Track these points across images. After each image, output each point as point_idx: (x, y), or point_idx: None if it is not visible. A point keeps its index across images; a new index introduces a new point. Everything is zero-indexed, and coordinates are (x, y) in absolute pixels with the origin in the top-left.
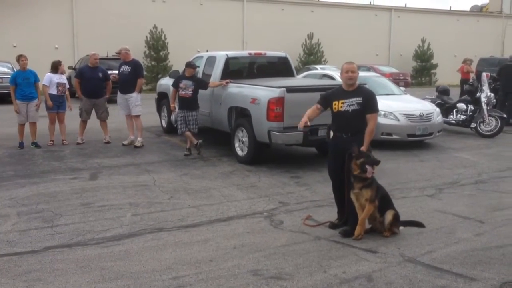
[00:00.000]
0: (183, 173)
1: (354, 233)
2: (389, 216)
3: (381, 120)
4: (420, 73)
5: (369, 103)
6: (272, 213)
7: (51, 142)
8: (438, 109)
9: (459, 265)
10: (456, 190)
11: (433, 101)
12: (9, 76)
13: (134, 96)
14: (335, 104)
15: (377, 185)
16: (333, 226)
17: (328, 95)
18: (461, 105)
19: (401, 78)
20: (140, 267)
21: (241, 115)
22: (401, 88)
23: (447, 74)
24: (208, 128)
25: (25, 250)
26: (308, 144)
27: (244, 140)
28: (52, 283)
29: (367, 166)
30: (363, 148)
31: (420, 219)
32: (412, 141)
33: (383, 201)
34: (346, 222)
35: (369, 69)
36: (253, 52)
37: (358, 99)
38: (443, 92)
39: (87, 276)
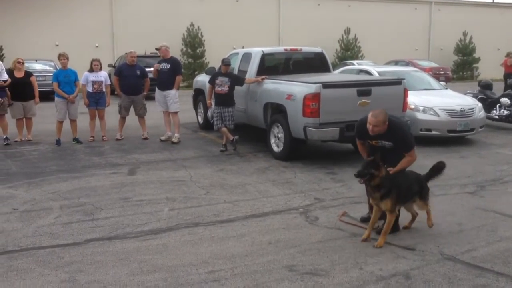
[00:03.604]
0: (219, 169)
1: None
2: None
3: (420, 115)
4: (461, 68)
5: (402, 145)
6: (308, 209)
7: (92, 138)
8: (480, 104)
9: (501, 264)
10: (498, 187)
11: (475, 96)
12: (51, 74)
13: (173, 93)
14: (368, 141)
15: (398, 189)
16: (364, 220)
17: (360, 133)
18: (505, 100)
19: (442, 72)
20: (177, 261)
21: (276, 111)
22: (442, 82)
23: (490, 68)
24: (244, 124)
25: (67, 242)
26: (344, 140)
27: (279, 136)
28: (93, 275)
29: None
30: (392, 170)
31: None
32: (452, 137)
33: (406, 193)
34: (381, 218)
35: (407, 63)
36: (289, 48)
37: (390, 144)
38: (486, 86)
39: (126, 268)
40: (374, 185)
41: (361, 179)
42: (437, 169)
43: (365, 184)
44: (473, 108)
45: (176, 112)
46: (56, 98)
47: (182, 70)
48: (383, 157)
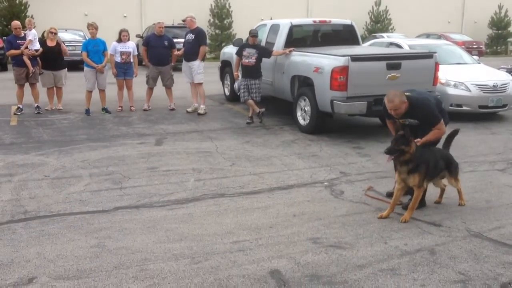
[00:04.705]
0: (245, 141)
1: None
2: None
3: (451, 90)
4: (495, 42)
5: (426, 121)
6: (333, 182)
7: (120, 108)
8: None
9: None
10: None
11: (508, 71)
12: (81, 44)
13: (197, 64)
14: (396, 119)
15: (426, 164)
16: (390, 195)
17: (387, 114)
18: None
19: (475, 46)
20: (202, 230)
21: (304, 84)
22: (474, 57)
23: None
24: (270, 96)
25: (96, 209)
26: (372, 114)
27: (306, 109)
28: (121, 241)
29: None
30: (419, 141)
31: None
32: (484, 113)
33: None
34: (407, 193)
35: (439, 37)
36: (317, 19)
37: (415, 121)
38: None
39: (153, 236)
40: (403, 160)
41: (390, 156)
42: (451, 136)
43: (394, 159)
44: (506, 84)
45: (200, 83)
46: (85, 68)
47: (208, 41)
48: (413, 133)
